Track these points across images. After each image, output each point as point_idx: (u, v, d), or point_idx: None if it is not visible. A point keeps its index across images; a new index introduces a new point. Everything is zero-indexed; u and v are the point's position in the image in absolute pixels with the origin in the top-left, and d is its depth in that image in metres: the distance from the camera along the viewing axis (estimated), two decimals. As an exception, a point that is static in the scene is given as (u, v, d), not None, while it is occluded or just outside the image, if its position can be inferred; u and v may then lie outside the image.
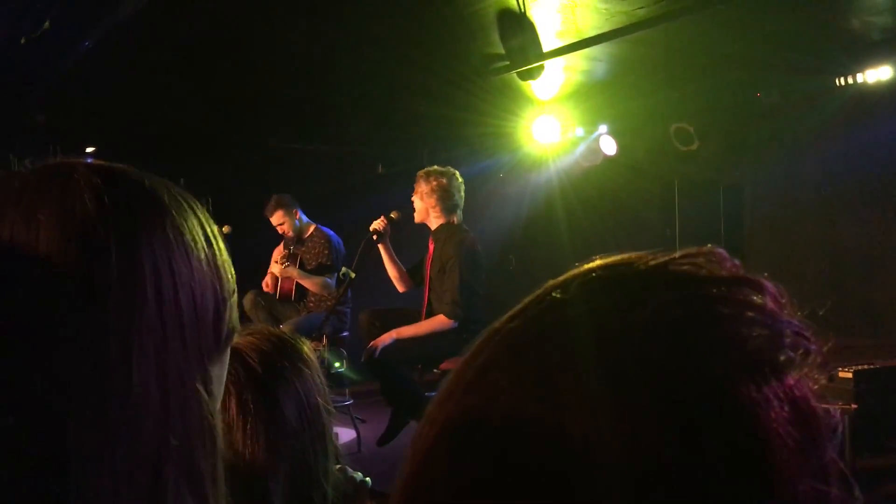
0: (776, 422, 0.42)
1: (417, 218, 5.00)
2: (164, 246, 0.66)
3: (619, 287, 0.47)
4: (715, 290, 0.46)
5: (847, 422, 3.95)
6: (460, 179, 4.96)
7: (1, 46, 4.64)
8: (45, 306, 0.61)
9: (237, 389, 1.26)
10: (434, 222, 4.95)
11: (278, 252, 6.22)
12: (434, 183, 4.87)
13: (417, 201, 4.95)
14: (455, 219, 4.94)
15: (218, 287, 0.70)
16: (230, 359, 1.28)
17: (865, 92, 5.70)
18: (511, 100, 6.59)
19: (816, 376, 0.46)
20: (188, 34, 5.05)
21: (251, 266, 6.25)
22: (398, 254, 5.14)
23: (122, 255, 0.63)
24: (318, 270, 6.01)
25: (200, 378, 0.67)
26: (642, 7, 4.86)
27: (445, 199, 4.89)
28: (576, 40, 5.47)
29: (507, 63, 5.74)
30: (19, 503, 0.58)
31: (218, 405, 0.73)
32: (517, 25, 5.23)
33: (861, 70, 5.59)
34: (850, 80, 5.64)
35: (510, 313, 0.49)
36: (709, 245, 0.49)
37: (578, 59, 5.91)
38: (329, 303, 5.77)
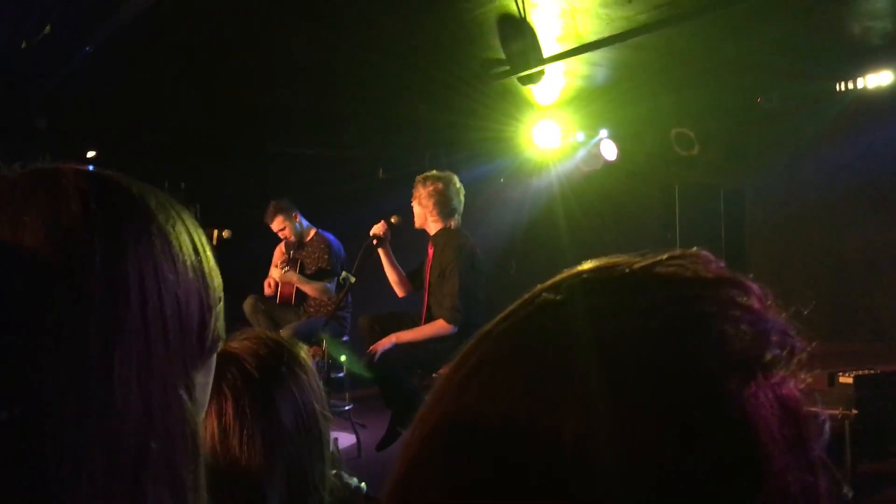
0: (764, 418, 0.42)
1: (417, 223, 5.00)
2: (150, 253, 0.66)
3: (605, 290, 0.47)
4: (700, 291, 0.46)
5: (848, 427, 3.94)
6: (458, 184, 4.96)
7: (2, 51, 4.65)
8: (27, 310, 0.60)
9: (234, 394, 1.26)
10: (433, 227, 4.95)
11: (279, 252, 6.22)
12: (432, 188, 4.87)
13: (416, 206, 4.96)
14: (454, 223, 4.94)
15: (204, 295, 0.70)
16: (228, 363, 1.29)
17: (866, 97, 5.70)
18: (511, 104, 6.60)
19: (802, 374, 0.46)
20: (188, 39, 5.06)
21: (251, 270, 6.25)
22: (398, 258, 5.14)
23: (106, 260, 0.63)
24: (318, 275, 6.00)
25: (184, 385, 0.67)
26: (642, 12, 4.87)
27: (444, 203, 4.89)
28: (576, 45, 5.47)
29: (508, 68, 5.75)
30: None
31: (202, 413, 0.73)
32: (517, 30, 5.23)
33: (861, 75, 5.60)
34: (851, 85, 5.65)
35: (500, 316, 0.49)
36: (694, 247, 0.49)
37: (579, 63, 5.91)
38: (329, 307, 5.76)
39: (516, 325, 0.48)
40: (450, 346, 4.54)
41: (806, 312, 0.51)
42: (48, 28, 4.27)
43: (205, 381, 0.73)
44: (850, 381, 4.11)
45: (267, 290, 6.18)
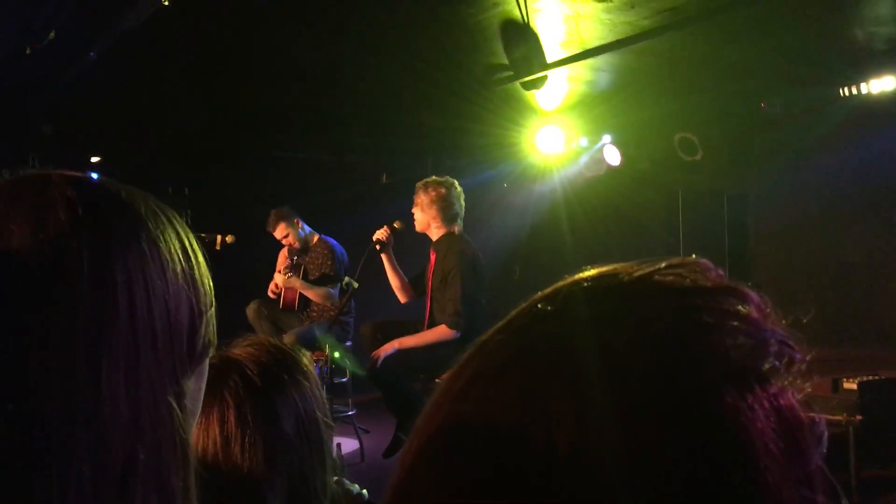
0: (760, 430, 0.42)
1: (418, 228, 4.99)
2: (139, 259, 0.66)
3: (603, 299, 0.47)
4: (699, 301, 0.46)
5: (852, 433, 3.93)
6: (459, 189, 4.96)
7: (7, 56, 4.67)
8: (13, 319, 0.60)
9: (236, 401, 1.26)
10: (435, 233, 4.95)
11: (282, 257, 6.22)
12: (434, 193, 4.87)
13: (418, 212, 4.95)
14: (456, 229, 4.94)
15: (194, 300, 0.70)
16: (230, 370, 1.29)
17: (869, 102, 5.69)
18: (515, 110, 6.60)
19: (801, 385, 0.46)
20: (193, 45, 5.07)
21: (255, 275, 6.26)
22: (400, 264, 5.14)
23: (94, 268, 0.63)
24: (321, 280, 6.01)
25: (173, 392, 0.67)
26: (646, 17, 4.87)
27: (446, 209, 4.89)
28: (579, 51, 5.47)
29: (511, 73, 5.75)
30: None
31: (194, 419, 0.73)
32: (521, 36, 5.24)
33: (865, 80, 5.60)
34: (854, 91, 5.64)
35: (497, 326, 0.49)
36: (693, 255, 0.49)
37: (582, 69, 5.91)
38: (332, 313, 5.76)
39: (514, 333, 0.48)
40: (452, 351, 4.53)
41: (805, 320, 0.51)
42: (53, 34, 4.28)
43: (196, 386, 0.73)
44: (854, 386, 4.10)
45: (271, 294, 6.19)
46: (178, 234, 0.71)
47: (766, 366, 0.44)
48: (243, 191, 7.18)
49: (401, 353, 4.74)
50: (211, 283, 0.73)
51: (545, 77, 5.74)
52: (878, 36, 5.25)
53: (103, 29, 4.45)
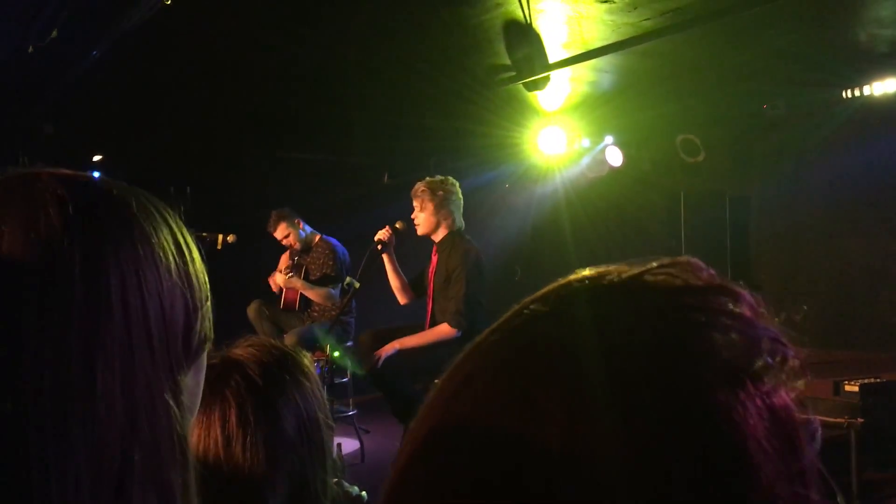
0: (753, 428, 0.42)
1: (422, 230, 4.97)
2: (131, 256, 0.65)
3: (595, 300, 0.47)
4: (690, 300, 0.46)
5: (853, 435, 3.93)
6: (459, 188, 4.96)
7: (9, 55, 4.67)
8: (5, 318, 0.60)
9: (238, 401, 1.26)
10: (440, 233, 4.95)
11: (285, 257, 6.23)
12: (442, 194, 4.87)
13: (422, 214, 4.93)
14: (458, 229, 4.94)
15: (189, 296, 0.70)
16: (231, 370, 1.29)
17: (872, 104, 5.69)
18: (517, 111, 6.60)
19: (795, 382, 0.46)
20: (195, 44, 5.07)
21: (256, 275, 6.26)
22: (401, 265, 5.13)
23: (86, 267, 0.62)
24: (322, 281, 6.01)
25: (170, 389, 0.67)
26: (649, 18, 4.86)
27: (450, 209, 4.89)
28: (582, 51, 5.47)
29: (514, 74, 5.75)
30: None
31: (192, 416, 0.73)
32: (523, 36, 5.23)
33: (868, 83, 5.59)
34: (857, 93, 5.64)
35: (491, 327, 0.49)
36: (685, 255, 0.49)
37: (584, 70, 5.91)
38: (333, 313, 5.76)
39: (507, 334, 0.48)
40: (453, 351, 4.45)
41: (799, 317, 0.51)
42: (55, 32, 4.28)
43: (194, 381, 0.72)
44: (855, 389, 4.10)
45: (272, 283, 6.19)
46: (171, 230, 0.70)
47: (759, 363, 0.44)
48: (245, 191, 7.18)
49: (402, 354, 4.74)
50: (206, 278, 0.73)
51: (547, 78, 5.74)
52: (881, 38, 5.24)
53: (106, 28, 4.45)
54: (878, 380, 4.22)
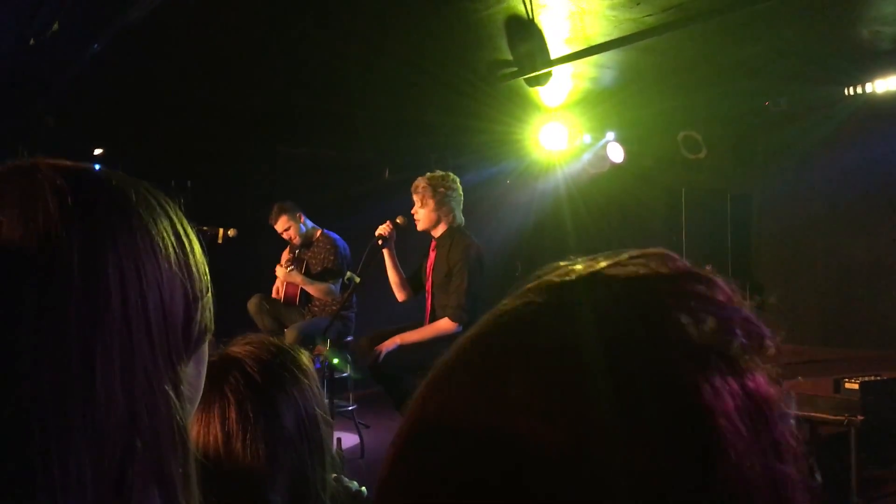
0: (725, 404, 0.42)
1: (422, 225, 4.96)
2: (130, 247, 0.65)
3: (565, 292, 0.48)
4: (662, 286, 0.47)
5: (854, 433, 3.93)
6: (459, 184, 4.96)
7: (10, 48, 4.66)
8: (4, 309, 0.60)
9: (237, 398, 1.26)
10: (439, 229, 4.94)
11: (287, 255, 6.23)
12: (443, 189, 4.86)
13: (422, 209, 4.92)
14: (459, 224, 4.94)
15: (189, 287, 0.69)
16: (231, 367, 1.29)
17: (875, 102, 5.68)
18: (518, 106, 6.59)
19: (770, 360, 0.46)
20: (197, 39, 5.07)
21: (257, 270, 6.26)
22: (400, 260, 5.12)
23: (85, 258, 0.62)
24: (323, 275, 6.01)
25: (170, 379, 0.66)
26: (651, 14, 4.86)
27: (451, 205, 4.88)
28: (584, 47, 5.46)
29: (515, 69, 5.74)
30: None
31: (192, 406, 0.73)
32: (525, 32, 5.23)
33: (870, 80, 5.58)
34: (860, 90, 5.63)
35: (476, 324, 0.50)
36: (658, 248, 0.50)
37: (586, 66, 5.90)
38: (333, 308, 5.76)
39: (478, 332, 0.49)
40: (454, 346, 4.51)
41: (773, 300, 0.51)
42: (56, 25, 4.28)
43: (195, 372, 0.72)
44: (856, 386, 4.09)
45: (275, 294, 6.20)
46: (171, 221, 0.70)
47: (735, 344, 0.45)
48: (246, 185, 7.18)
49: (403, 349, 4.74)
50: (206, 269, 0.73)
51: (549, 73, 5.74)
52: (884, 35, 5.23)
53: (107, 21, 4.45)
54: (879, 378, 4.21)
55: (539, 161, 7.55)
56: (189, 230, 0.72)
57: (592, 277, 0.48)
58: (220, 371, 1.26)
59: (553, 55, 5.51)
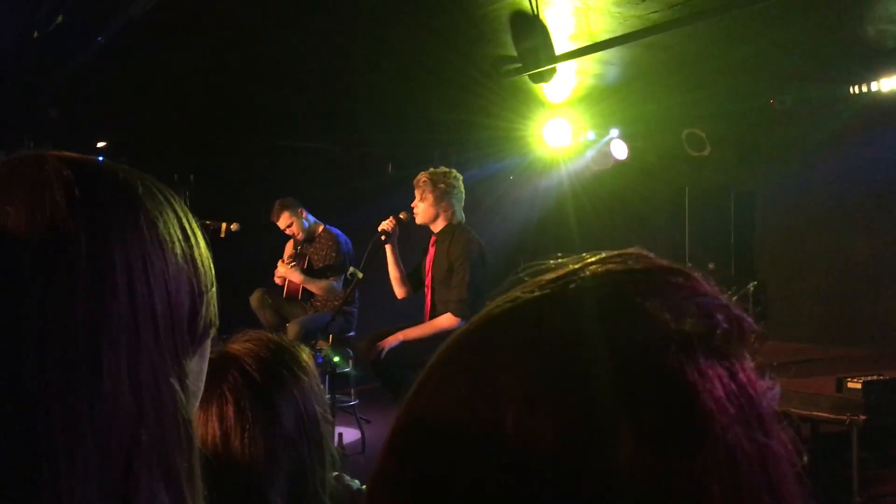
0: (709, 383, 0.43)
1: (421, 219, 4.95)
2: (137, 240, 0.65)
3: (553, 287, 0.49)
4: (641, 278, 0.48)
5: (856, 432, 3.92)
6: (461, 181, 4.95)
7: (14, 40, 4.66)
8: (10, 301, 0.60)
9: (235, 396, 1.25)
10: (438, 224, 4.93)
11: (290, 246, 6.23)
12: (444, 184, 4.86)
13: (423, 205, 4.92)
14: (459, 222, 4.93)
15: (194, 280, 0.69)
16: (229, 365, 1.28)
17: (880, 100, 5.67)
18: (522, 103, 6.58)
19: (751, 346, 0.48)
20: (200, 33, 5.06)
21: (259, 264, 6.26)
22: (402, 257, 5.12)
23: (92, 250, 0.62)
24: (325, 271, 6.00)
25: (175, 373, 0.67)
26: (656, 11, 4.85)
27: (451, 202, 4.88)
28: (588, 43, 5.45)
29: (519, 65, 5.73)
30: None
31: (197, 400, 0.73)
32: (530, 28, 5.22)
33: (875, 78, 5.57)
34: (865, 89, 5.62)
35: (468, 321, 0.52)
36: (637, 247, 0.51)
37: (591, 62, 5.89)
38: (336, 303, 5.76)
39: (469, 328, 0.50)
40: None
41: (751, 289, 0.51)
42: (60, 17, 4.28)
43: (199, 367, 0.73)
44: (858, 386, 4.09)
45: (278, 281, 6.19)
46: (176, 215, 0.70)
47: (718, 329, 0.46)
48: (249, 180, 7.17)
49: (405, 345, 4.73)
50: (211, 264, 0.73)
51: (553, 70, 5.73)
52: (889, 34, 5.22)
53: (111, 14, 4.44)
54: (881, 377, 4.21)
55: (542, 157, 7.54)
56: (194, 224, 0.72)
57: (577, 274, 0.49)
58: (219, 369, 1.25)
59: (557, 51, 5.50)
